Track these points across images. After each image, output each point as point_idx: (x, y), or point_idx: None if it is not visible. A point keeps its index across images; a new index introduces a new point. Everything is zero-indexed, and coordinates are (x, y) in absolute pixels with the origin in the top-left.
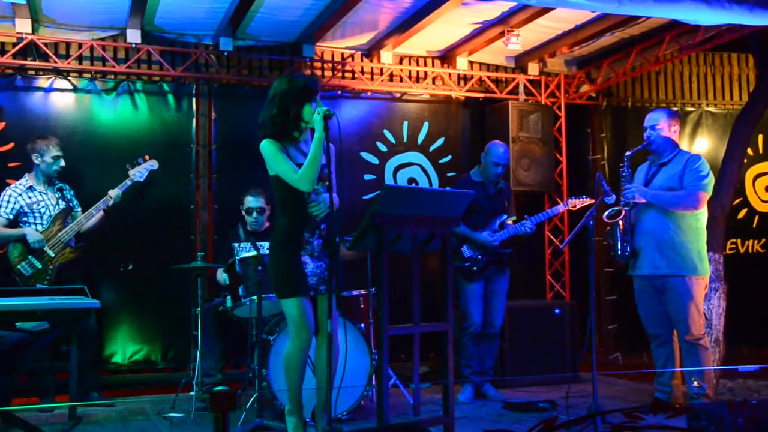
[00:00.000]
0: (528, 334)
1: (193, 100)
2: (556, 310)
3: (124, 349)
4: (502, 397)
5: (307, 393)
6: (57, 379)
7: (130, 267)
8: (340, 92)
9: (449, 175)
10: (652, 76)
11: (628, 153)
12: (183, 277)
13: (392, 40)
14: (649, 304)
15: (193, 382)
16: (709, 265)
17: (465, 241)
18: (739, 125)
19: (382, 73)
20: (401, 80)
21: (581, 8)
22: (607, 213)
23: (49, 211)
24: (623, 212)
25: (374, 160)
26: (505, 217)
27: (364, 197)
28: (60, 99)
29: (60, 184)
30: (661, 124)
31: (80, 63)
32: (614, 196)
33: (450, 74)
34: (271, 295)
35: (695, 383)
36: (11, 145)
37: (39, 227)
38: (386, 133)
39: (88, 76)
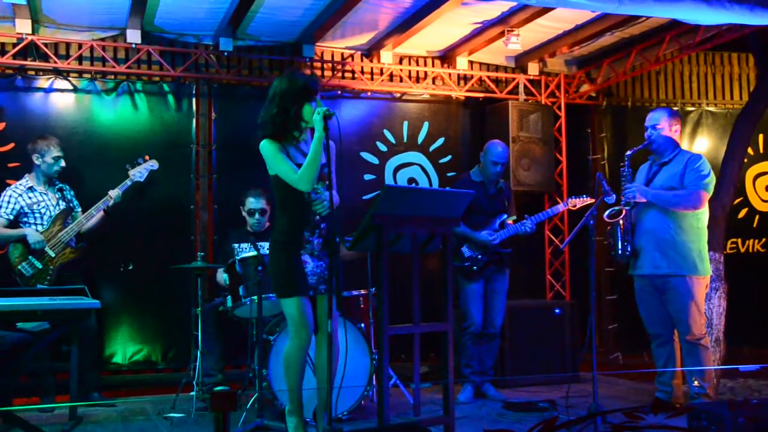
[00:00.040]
0: (528, 334)
1: (193, 100)
2: (556, 310)
3: (124, 349)
4: (502, 396)
5: (307, 393)
6: (57, 379)
7: (131, 267)
8: (340, 92)
9: (449, 175)
10: (652, 75)
11: (628, 152)
12: (183, 277)
13: (392, 40)
14: (649, 303)
15: (194, 382)
16: (710, 264)
17: (465, 241)
18: (739, 125)
19: (382, 73)
20: (401, 80)
21: (581, 8)
22: (607, 212)
23: (50, 211)
24: (624, 212)
25: (374, 160)
26: (505, 216)
27: (364, 197)
28: (60, 99)
29: (60, 185)
30: (662, 124)
31: (80, 63)
32: (614, 195)
33: (450, 74)
34: (271, 295)
35: (696, 383)
36: (11, 145)
37: (39, 228)
38: (386, 133)
39: (88, 76)
